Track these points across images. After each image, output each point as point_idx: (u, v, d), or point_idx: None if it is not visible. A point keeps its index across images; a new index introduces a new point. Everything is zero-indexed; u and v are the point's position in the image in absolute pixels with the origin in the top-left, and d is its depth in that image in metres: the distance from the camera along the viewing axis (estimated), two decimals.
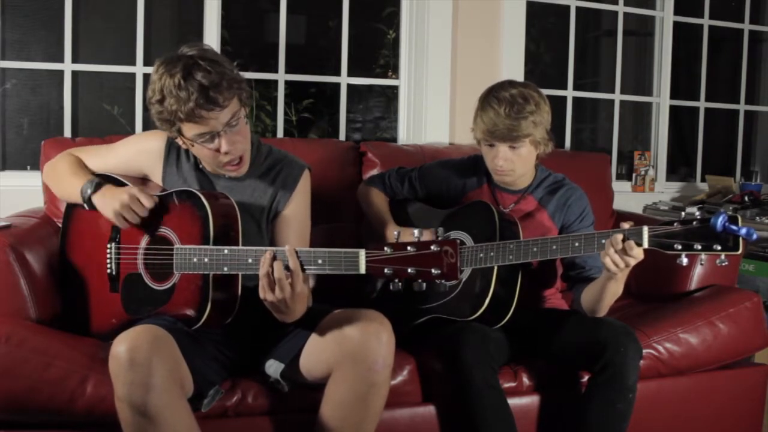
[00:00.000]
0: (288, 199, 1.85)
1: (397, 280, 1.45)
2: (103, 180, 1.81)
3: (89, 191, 1.77)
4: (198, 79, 1.61)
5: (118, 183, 1.84)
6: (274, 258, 1.51)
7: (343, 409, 1.61)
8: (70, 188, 1.83)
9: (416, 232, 1.46)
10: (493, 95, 1.97)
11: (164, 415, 1.47)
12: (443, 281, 1.43)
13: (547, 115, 2.00)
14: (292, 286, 1.51)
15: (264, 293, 1.52)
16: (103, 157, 1.92)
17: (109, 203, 1.72)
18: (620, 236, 1.67)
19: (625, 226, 1.70)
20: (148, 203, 1.69)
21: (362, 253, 1.46)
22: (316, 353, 1.68)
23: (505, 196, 2.13)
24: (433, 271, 1.42)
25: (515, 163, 1.99)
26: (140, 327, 1.54)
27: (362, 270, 1.47)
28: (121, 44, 2.84)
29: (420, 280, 1.43)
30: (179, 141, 1.76)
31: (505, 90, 1.97)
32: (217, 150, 1.70)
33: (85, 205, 1.79)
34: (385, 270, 1.44)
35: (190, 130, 1.68)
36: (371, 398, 1.61)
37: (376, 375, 1.59)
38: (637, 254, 1.66)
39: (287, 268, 1.50)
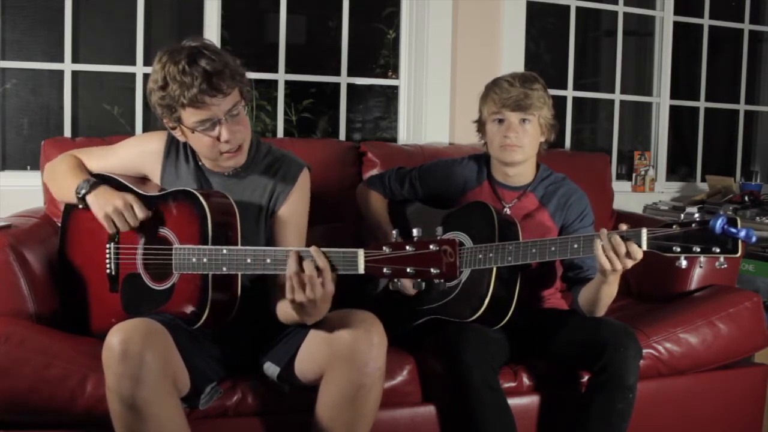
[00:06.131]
0: (286, 198, 1.85)
1: (396, 280, 1.45)
2: (101, 181, 1.81)
3: (84, 190, 1.78)
4: (202, 65, 1.63)
5: (117, 183, 1.84)
6: (301, 257, 1.50)
7: (333, 410, 1.60)
8: (67, 188, 1.83)
9: (415, 231, 1.45)
10: (504, 76, 2.08)
11: (152, 409, 1.46)
12: (442, 281, 1.42)
13: (550, 101, 2.09)
14: (323, 285, 1.49)
15: (293, 294, 1.50)
16: (104, 158, 1.92)
17: (102, 205, 1.73)
18: (619, 238, 1.67)
19: (623, 227, 1.69)
20: (141, 214, 1.71)
21: (361, 252, 1.46)
22: (309, 355, 1.67)
23: (507, 193, 2.13)
24: (432, 270, 1.41)
25: (523, 139, 2.03)
26: (136, 320, 1.54)
27: (361, 270, 1.46)
28: (121, 44, 2.84)
29: (419, 280, 1.43)
30: (177, 132, 1.75)
31: (514, 73, 2.09)
32: (217, 138, 1.70)
33: (80, 204, 1.79)
34: (384, 270, 1.44)
35: (190, 116, 1.67)
36: (361, 400, 1.59)
37: (365, 377, 1.58)
38: (637, 257, 1.66)
39: (317, 267, 1.49)
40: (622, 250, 1.66)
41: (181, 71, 1.62)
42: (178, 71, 1.62)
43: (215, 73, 1.63)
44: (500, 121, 2.04)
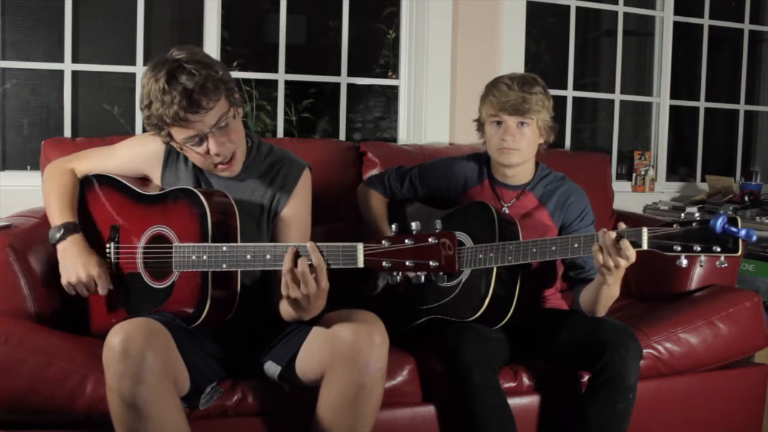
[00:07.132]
0: (288, 199, 1.85)
1: (395, 273, 1.45)
2: (73, 227, 1.79)
3: (55, 241, 1.78)
4: (182, 82, 1.60)
5: (116, 183, 1.84)
6: (297, 254, 1.51)
7: (335, 410, 1.60)
8: (51, 221, 1.83)
9: (414, 224, 1.45)
10: (504, 77, 2.07)
11: (152, 409, 1.46)
12: (441, 273, 1.43)
13: (550, 103, 2.08)
14: (317, 281, 1.51)
15: (288, 290, 1.52)
16: (103, 159, 1.92)
17: (67, 270, 1.75)
18: (613, 234, 1.66)
19: (622, 226, 1.69)
20: (103, 291, 1.75)
21: (360, 246, 1.47)
22: (310, 355, 1.67)
23: (506, 192, 2.13)
24: (431, 263, 1.42)
25: (521, 142, 2.02)
26: (137, 320, 1.54)
27: (361, 264, 1.47)
28: (121, 44, 2.84)
29: (418, 273, 1.43)
30: (173, 144, 1.75)
31: (513, 74, 2.08)
32: (207, 152, 1.69)
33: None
34: (384, 263, 1.44)
35: (178, 133, 1.67)
36: (362, 400, 1.59)
37: (366, 377, 1.58)
38: (630, 255, 1.65)
39: (310, 264, 1.50)
40: (615, 247, 1.65)
41: (161, 90, 1.60)
42: (158, 90, 1.60)
43: (195, 89, 1.60)
44: (498, 123, 2.04)
